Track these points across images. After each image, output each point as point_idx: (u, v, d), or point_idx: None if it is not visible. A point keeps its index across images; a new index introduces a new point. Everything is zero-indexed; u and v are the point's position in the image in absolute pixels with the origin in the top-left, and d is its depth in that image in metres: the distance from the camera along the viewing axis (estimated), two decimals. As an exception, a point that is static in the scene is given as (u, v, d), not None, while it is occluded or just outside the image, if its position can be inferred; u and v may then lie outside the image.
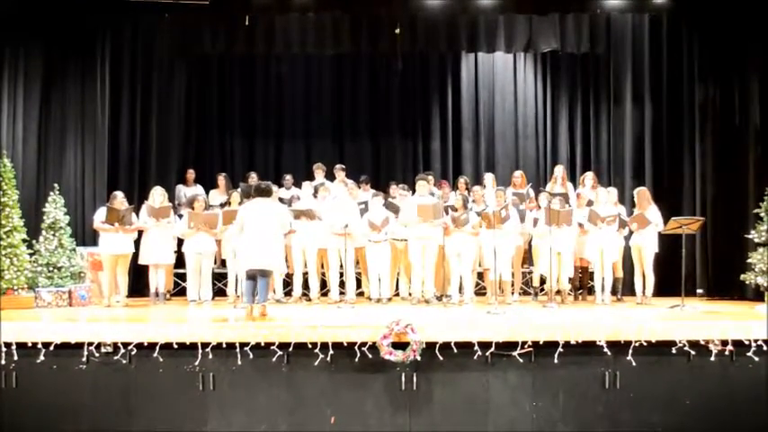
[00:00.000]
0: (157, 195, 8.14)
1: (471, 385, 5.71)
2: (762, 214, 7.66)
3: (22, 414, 5.74)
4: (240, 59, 10.50)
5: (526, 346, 5.66)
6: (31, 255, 7.93)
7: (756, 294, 7.87)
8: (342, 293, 8.25)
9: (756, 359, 5.70)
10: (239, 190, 8.72)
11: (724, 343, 5.70)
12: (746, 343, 5.70)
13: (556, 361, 5.64)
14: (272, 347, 5.63)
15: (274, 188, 8.33)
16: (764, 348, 5.70)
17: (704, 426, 5.72)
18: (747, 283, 7.78)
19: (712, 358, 5.71)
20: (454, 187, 9.29)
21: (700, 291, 8.86)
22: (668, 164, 9.39)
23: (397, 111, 10.72)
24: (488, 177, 9.35)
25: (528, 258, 8.77)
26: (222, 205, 8.74)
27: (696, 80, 9.19)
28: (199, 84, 10.49)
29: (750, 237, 7.78)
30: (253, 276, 6.70)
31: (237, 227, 6.83)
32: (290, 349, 5.64)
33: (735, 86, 8.91)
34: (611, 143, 9.79)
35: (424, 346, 5.56)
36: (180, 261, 8.47)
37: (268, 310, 6.78)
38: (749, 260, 7.72)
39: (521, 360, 5.64)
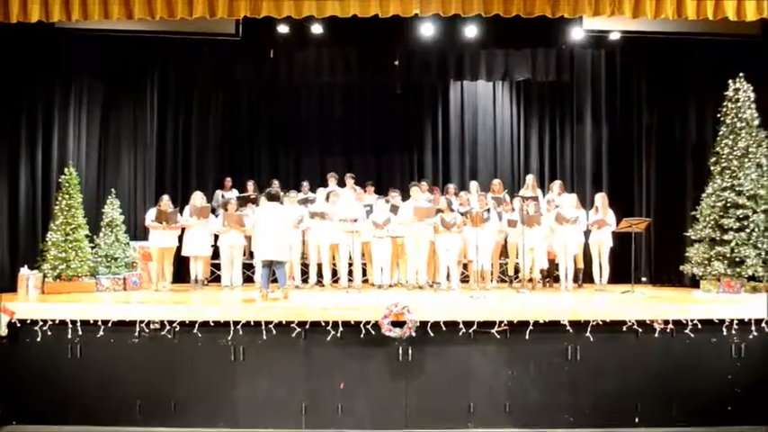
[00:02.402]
0: (198, 198, 8.18)
1: (457, 357, 5.72)
2: (697, 216, 7.66)
3: (84, 379, 5.77)
4: (266, 85, 10.48)
5: (503, 325, 5.68)
6: (92, 248, 7.93)
7: (692, 282, 7.88)
8: (350, 281, 8.26)
9: (692, 336, 5.73)
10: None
11: (666, 322, 5.73)
12: (684, 322, 5.73)
13: (527, 337, 5.66)
14: (291, 325, 5.66)
15: (293, 192, 8.62)
16: (699, 327, 5.73)
17: (649, 390, 5.74)
18: (685, 273, 7.79)
19: (656, 335, 5.74)
20: (443, 193, 9.30)
21: (644, 278, 8.87)
22: (621, 174, 9.41)
23: (397, 129, 10.68)
24: (473, 185, 9.35)
25: (504, 252, 8.77)
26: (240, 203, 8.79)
27: (644, 105, 9.21)
28: (231, 106, 10.47)
29: (688, 234, 7.80)
30: (268, 265, 6.78)
31: (250, 225, 7.01)
32: (307, 327, 5.67)
33: (675, 111, 8.92)
34: (574, 156, 9.84)
35: (418, 324, 5.58)
36: (215, 253, 8.51)
37: (288, 293, 6.79)
38: (687, 254, 7.73)
39: (498, 336, 5.66)
